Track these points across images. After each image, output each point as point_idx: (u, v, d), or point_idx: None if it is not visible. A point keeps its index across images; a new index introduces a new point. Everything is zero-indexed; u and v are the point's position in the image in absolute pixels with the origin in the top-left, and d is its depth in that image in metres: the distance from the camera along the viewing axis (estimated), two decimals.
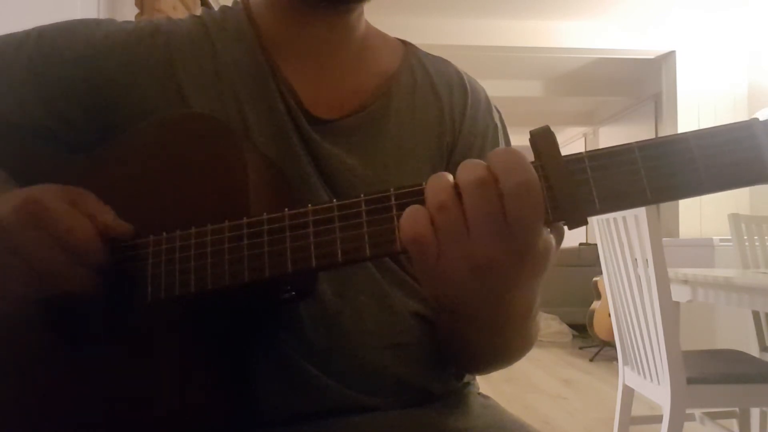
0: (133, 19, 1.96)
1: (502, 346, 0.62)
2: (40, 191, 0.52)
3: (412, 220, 0.42)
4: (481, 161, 0.42)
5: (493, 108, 0.75)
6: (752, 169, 0.41)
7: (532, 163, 0.43)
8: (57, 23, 0.67)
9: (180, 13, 2.27)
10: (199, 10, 0.73)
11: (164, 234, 0.52)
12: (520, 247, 0.42)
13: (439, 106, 0.70)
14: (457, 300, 0.48)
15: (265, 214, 0.48)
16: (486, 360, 0.66)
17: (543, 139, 0.43)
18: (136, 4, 1.97)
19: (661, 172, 0.42)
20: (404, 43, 0.75)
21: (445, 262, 0.42)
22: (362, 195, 0.45)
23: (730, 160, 0.41)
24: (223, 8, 0.71)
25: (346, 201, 0.46)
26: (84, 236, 0.50)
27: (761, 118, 0.42)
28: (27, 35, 0.65)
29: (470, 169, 0.42)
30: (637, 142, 0.42)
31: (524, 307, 0.52)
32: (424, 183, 0.44)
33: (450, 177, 0.42)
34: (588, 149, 0.44)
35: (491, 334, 0.57)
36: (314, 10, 0.66)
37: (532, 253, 0.42)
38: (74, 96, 0.63)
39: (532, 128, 0.44)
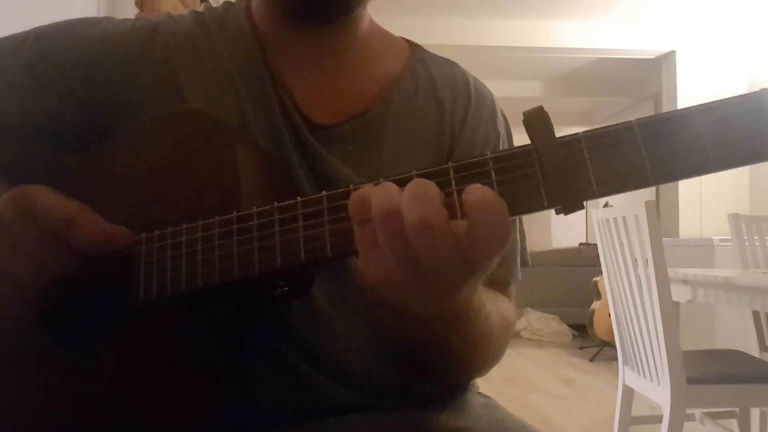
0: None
1: (458, 349, 0.57)
2: (36, 189, 0.52)
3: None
4: (435, 193, 0.39)
5: (499, 116, 0.72)
6: (765, 143, 0.37)
7: (526, 145, 0.41)
8: (55, 23, 0.66)
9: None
10: (200, 8, 0.73)
11: (156, 232, 0.51)
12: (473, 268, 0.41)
13: (440, 113, 0.68)
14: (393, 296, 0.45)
15: (254, 208, 0.47)
16: (450, 367, 0.61)
17: (537, 121, 0.41)
18: (136, 4, 1.97)
19: (663, 151, 0.39)
20: (410, 43, 0.73)
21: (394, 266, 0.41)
22: (351, 185, 0.44)
23: (740, 135, 0.38)
24: (226, 5, 0.70)
25: (336, 192, 0.44)
26: (70, 214, 0.50)
27: None
28: (26, 36, 0.65)
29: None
30: (637, 120, 0.40)
31: (465, 309, 0.50)
32: (414, 171, 0.42)
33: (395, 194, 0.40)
34: None
35: (443, 337, 0.53)
36: (305, 19, 0.65)
37: (485, 269, 0.41)
38: (73, 97, 0.63)
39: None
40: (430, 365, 0.60)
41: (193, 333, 0.54)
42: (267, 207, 0.47)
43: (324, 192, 0.45)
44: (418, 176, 0.42)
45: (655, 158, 0.39)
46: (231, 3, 0.70)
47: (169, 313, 0.53)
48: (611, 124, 0.41)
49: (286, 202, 0.46)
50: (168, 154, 0.56)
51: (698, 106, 0.39)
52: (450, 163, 0.42)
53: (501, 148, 0.70)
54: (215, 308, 0.53)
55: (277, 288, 0.53)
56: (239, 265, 0.47)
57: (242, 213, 0.48)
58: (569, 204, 0.40)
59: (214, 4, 2.92)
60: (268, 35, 0.66)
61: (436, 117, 0.68)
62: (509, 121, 0.74)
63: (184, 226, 0.50)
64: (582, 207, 0.40)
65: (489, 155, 0.42)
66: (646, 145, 0.39)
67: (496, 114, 0.72)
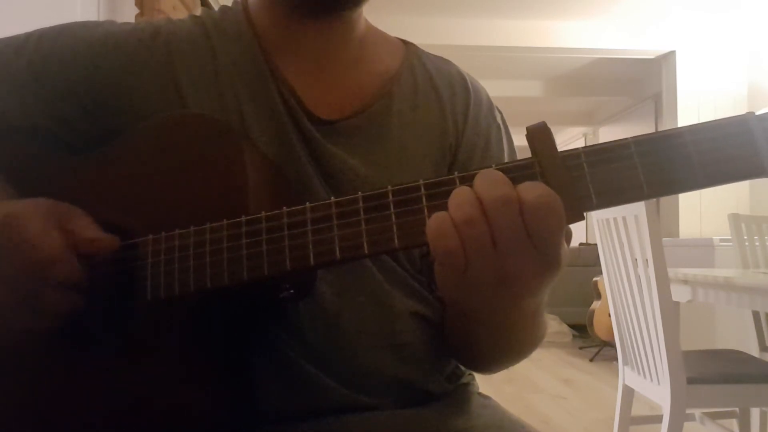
0: (133, 19, 1.96)
1: (511, 345, 0.63)
2: (21, 207, 0.53)
3: (438, 231, 0.42)
4: (500, 174, 0.42)
5: (495, 108, 0.75)
6: (748, 163, 0.41)
7: (528, 159, 0.44)
8: (57, 25, 0.67)
9: (180, 14, 2.27)
10: (199, 10, 0.73)
11: (163, 233, 0.52)
12: (545, 259, 0.43)
13: (440, 107, 0.70)
14: (478, 306, 0.49)
15: (263, 212, 0.48)
16: (493, 358, 0.67)
17: (539, 135, 0.43)
18: (136, 4, 1.97)
19: (657, 167, 0.42)
20: (405, 42, 0.75)
21: (472, 273, 0.43)
22: (360, 193, 0.46)
23: (725, 154, 0.41)
24: (223, 8, 0.70)
25: (344, 198, 0.46)
26: (50, 253, 0.51)
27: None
28: (27, 38, 0.65)
29: (492, 184, 0.42)
30: (633, 138, 0.43)
31: (534, 307, 0.54)
32: (420, 180, 0.45)
33: (471, 190, 0.42)
34: None
35: (502, 335, 0.59)
36: (310, 13, 0.65)
37: (556, 262, 0.43)
38: (74, 98, 0.63)
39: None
40: (483, 356, 0.67)
41: (197, 333, 0.55)
42: (275, 212, 0.48)
43: (332, 198, 0.47)
44: (425, 185, 0.44)
45: (650, 173, 0.42)
46: (227, 6, 0.71)
47: (174, 314, 0.53)
48: (609, 141, 0.44)
49: (294, 208, 0.47)
50: (176, 157, 0.56)
51: (689, 126, 0.42)
52: (456, 173, 0.44)
53: (502, 140, 0.72)
54: (220, 309, 0.54)
55: (284, 290, 0.53)
56: (248, 267, 0.48)
57: (251, 217, 0.48)
58: (570, 214, 0.42)
59: (213, 4, 2.92)
60: (268, 35, 0.67)
61: (437, 110, 0.70)
62: (510, 121, 0.76)
63: (192, 228, 0.50)
64: (582, 218, 0.42)
65: (494, 166, 0.44)
66: (641, 161, 0.42)
67: (492, 107, 0.74)
